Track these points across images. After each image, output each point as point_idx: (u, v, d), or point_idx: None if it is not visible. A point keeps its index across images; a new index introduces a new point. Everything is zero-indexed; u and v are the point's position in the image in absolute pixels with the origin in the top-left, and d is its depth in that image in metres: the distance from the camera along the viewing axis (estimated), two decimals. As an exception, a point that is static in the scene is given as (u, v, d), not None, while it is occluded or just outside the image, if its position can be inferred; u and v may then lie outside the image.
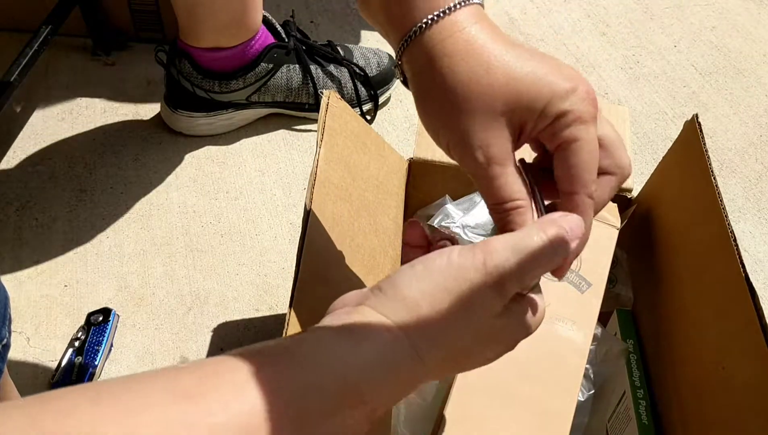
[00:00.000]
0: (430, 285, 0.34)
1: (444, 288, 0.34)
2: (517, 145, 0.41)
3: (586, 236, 0.40)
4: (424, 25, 0.39)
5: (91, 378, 0.76)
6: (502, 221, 0.40)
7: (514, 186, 0.39)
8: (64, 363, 0.78)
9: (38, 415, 0.25)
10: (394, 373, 0.33)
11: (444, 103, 0.39)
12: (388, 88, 1.09)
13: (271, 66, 1.00)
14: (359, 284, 0.59)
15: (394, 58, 0.43)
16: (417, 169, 0.73)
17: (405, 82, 0.44)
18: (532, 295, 0.38)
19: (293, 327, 0.48)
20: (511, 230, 0.39)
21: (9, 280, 0.86)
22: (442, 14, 0.39)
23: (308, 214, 0.55)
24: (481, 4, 0.40)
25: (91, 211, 0.95)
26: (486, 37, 0.39)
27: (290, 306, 0.49)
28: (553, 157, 0.40)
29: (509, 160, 0.40)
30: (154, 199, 0.97)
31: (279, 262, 0.90)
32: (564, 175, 0.40)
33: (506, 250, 0.35)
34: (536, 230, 0.36)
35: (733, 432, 0.52)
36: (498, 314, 0.36)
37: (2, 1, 1.14)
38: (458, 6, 0.39)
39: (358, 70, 1.05)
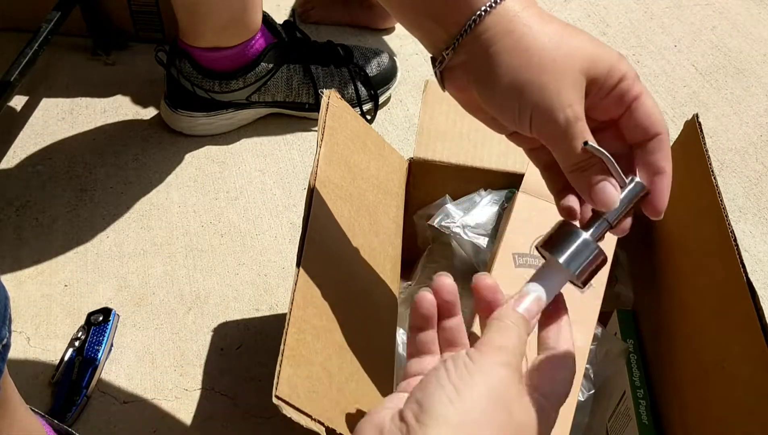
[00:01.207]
0: (473, 414, 0.35)
1: (490, 416, 0.36)
2: None
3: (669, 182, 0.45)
4: (489, 8, 0.41)
5: (91, 378, 0.76)
6: (585, 180, 0.42)
7: (591, 137, 0.42)
8: (64, 363, 0.78)
9: None
10: None
11: (529, 69, 0.41)
12: (388, 88, 1.09)
13: (271, 66, 1.00)
14: (360, 284, 0.59)
15: (441, 49, 0.44)
16: (417, 169, 0.73)
17: (441, 77, 0.45)
18: None
19: (293, 327, 0.48)
20: (592, 188, 0.42)
21: (9, 280, 0.86)
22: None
23: (308, 213, 0.55)
24: None
25: (91, 211, 0.95)
26: (546, 15, 0.42)
27: (290, 306, 0.49)
28: (618, 121, 0.44)
29: (583, 116, 0.42)
30: (154, 198, 0.97)
31: (279, 262, 0.90)
32: (642, 124, 0.43)
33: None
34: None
35: (734, 431, 0.52)
36: None
37: (2, 1, 1.14)
38: None
39: (358, 70, 1.05)
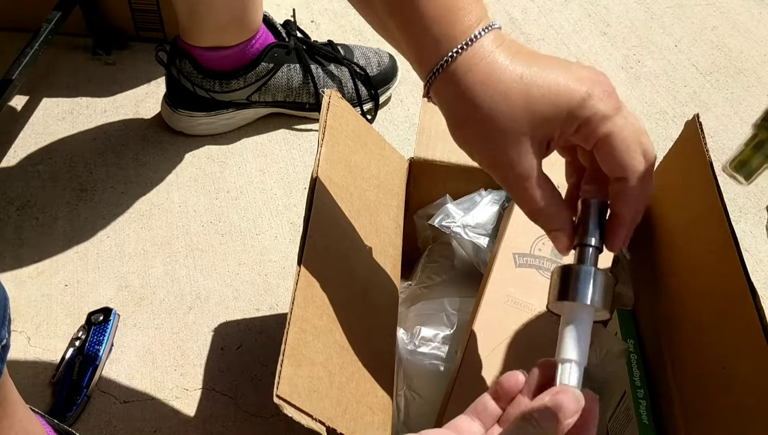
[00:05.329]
0: None
1: None
2: (546, 154, 0.45)
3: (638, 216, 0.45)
4: (450, 59, 0.42)
5: (91, 377, 0.76)
6: (541, 226, 0.46)
7: (540, 193, 0.44)
8: (64, 362, 0.78)
9: None
10: None
11: (475, 130, 0.44)
12: (389, 88, 1.09)
13: (271, 65, 1.00)
14: (360, 283, 0.59)
15: (424, 87, 0.46)
16: (417, 169, 0.73)
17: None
18: None
19: (294, 326, 0.48)
20: (548, 234, 0.46)
21: (9, 280, 0.86)
22: (465, 46, 0.42)
23: (309, 213, 0.55)
24: (499, 28, 0.44)
25: (91, 211, 0.95)
26: (505, 62, 0.42)
27: (291, 305, 0.49)
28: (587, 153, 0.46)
29: (535, 172, 0.44)
30: (154, 198, 0.97)
31: (280, 262, 0.90)
32: (608, 165, 0.44)
33: None
34: None
35: (735, 432, 0.52)
36: None
37: (2, 1, 1.14)
38: (480, 34, 0.42)
39: (358, 70, 1.05)
